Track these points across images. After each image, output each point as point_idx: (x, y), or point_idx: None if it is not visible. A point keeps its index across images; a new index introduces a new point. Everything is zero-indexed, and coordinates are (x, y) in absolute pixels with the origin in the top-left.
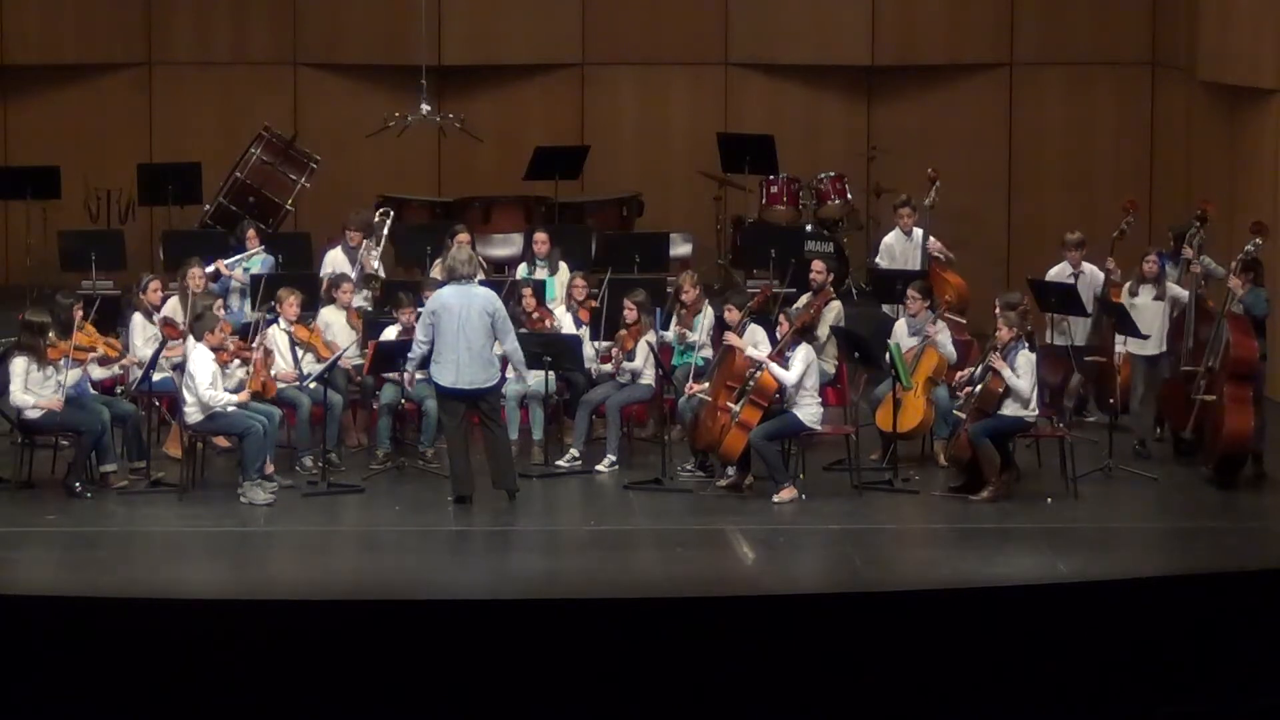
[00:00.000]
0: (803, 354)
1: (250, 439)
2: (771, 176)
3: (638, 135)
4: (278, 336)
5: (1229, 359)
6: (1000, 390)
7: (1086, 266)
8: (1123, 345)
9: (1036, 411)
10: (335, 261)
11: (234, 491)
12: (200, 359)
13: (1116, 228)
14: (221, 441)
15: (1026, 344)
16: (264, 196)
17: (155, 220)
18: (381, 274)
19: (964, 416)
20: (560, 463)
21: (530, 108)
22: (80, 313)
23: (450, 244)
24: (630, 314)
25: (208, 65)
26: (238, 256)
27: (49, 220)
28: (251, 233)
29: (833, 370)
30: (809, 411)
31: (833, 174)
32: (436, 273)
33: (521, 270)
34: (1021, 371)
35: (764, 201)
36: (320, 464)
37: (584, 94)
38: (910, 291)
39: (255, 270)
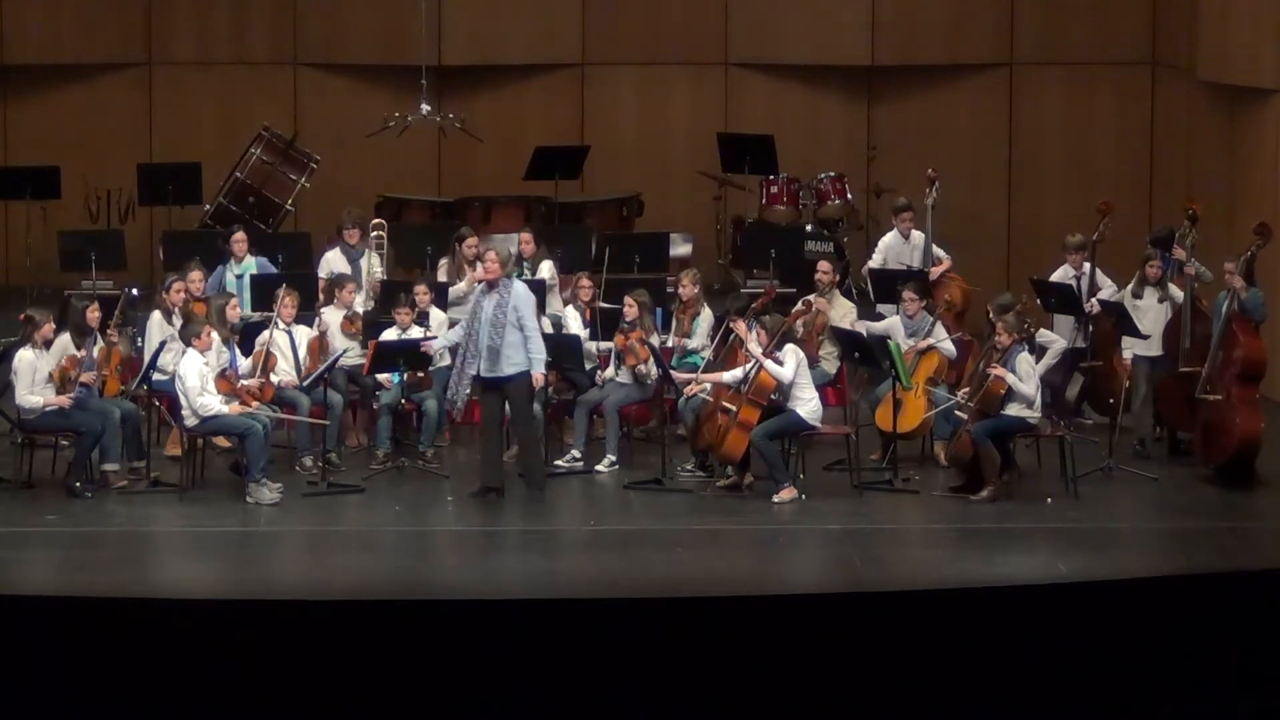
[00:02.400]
0: (791, 351)
1: (251, 439)
2: (771, 176)
3: (638, 135)
4: (278, 338)
5: (1240, 360)
6: (1002, 392)
7: (1088, 268)
8: (1130, 349)
9: (1039, 413)
10: (333, 262)
11: (234, 491)
12: (189, 365)
13: (1095, 231)
14: (222, 441)
15: (1026, 346)
16: (264, 196)
17: (155, 220)
18: (363, 310)
19: (965, 417)
20: (560, 463)
21: (530, 108)
22: (95, 317)
23: (458, 248)
24: (630, 310)
25: (208, 65)
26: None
27: (49, 220)
28: (239, 236)
29: (833, 370)
30: (809, 409)
31: (833, 174)
32: (443, 274)
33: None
34: (1023, 374)
35: (764, 201)
36: (320, 464)
37: (584, 94)
38: (906, 293)
39: (251, 271)
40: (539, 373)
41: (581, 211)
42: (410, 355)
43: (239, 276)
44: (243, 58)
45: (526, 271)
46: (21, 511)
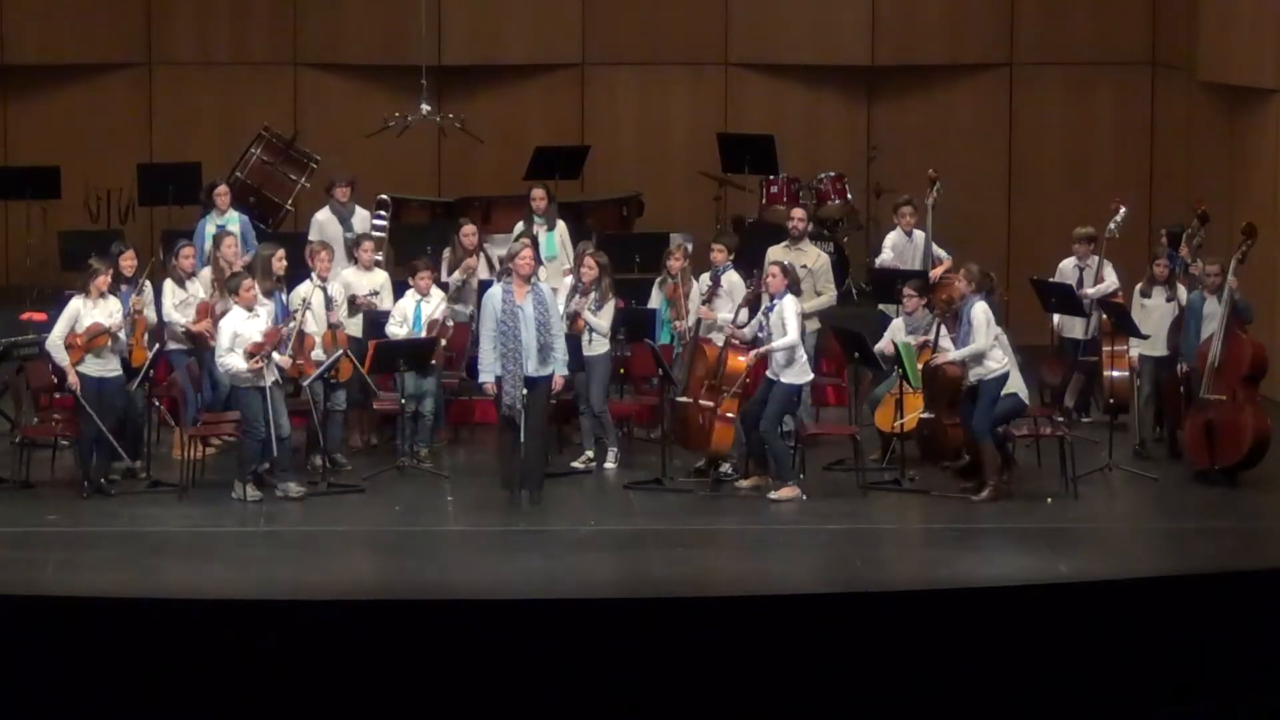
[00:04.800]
0: (790, 305)
1: (249, 443)
2: (771, 176)
3: (638, 135)
4: (313, 296)
5: (1247, 360)
6: (959, 375)
7: (1093, 260)
8: (1135, 349)
9: (1005, 364)
10: (323, 223)
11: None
12: (226, 320)
13: (1104, 228)
14: (216, 442)
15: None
16: (264, 196)
17: (155, 220)
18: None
19: (931, 416)
20: (576, 464)
21: (530, 108)
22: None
23: (457, 239)
24: (589, 273)
25: (208, 65)
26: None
27: (49, 220)
28: (222, 189)
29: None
30: (795, 371)
31: (833, 174)
32: (445, 267)
33: (518, 227)
34: (975, 324)
35: (764, 201)
36: (324, 464)
37: (584, 94)
38: (906, 290)
39: (232, 228)
40: (562, 375)
41: (581, 211)
42: (410, 355)
43: (220, 227)
44: (243, 58)
45: (542, 227)
46: (21, 511)
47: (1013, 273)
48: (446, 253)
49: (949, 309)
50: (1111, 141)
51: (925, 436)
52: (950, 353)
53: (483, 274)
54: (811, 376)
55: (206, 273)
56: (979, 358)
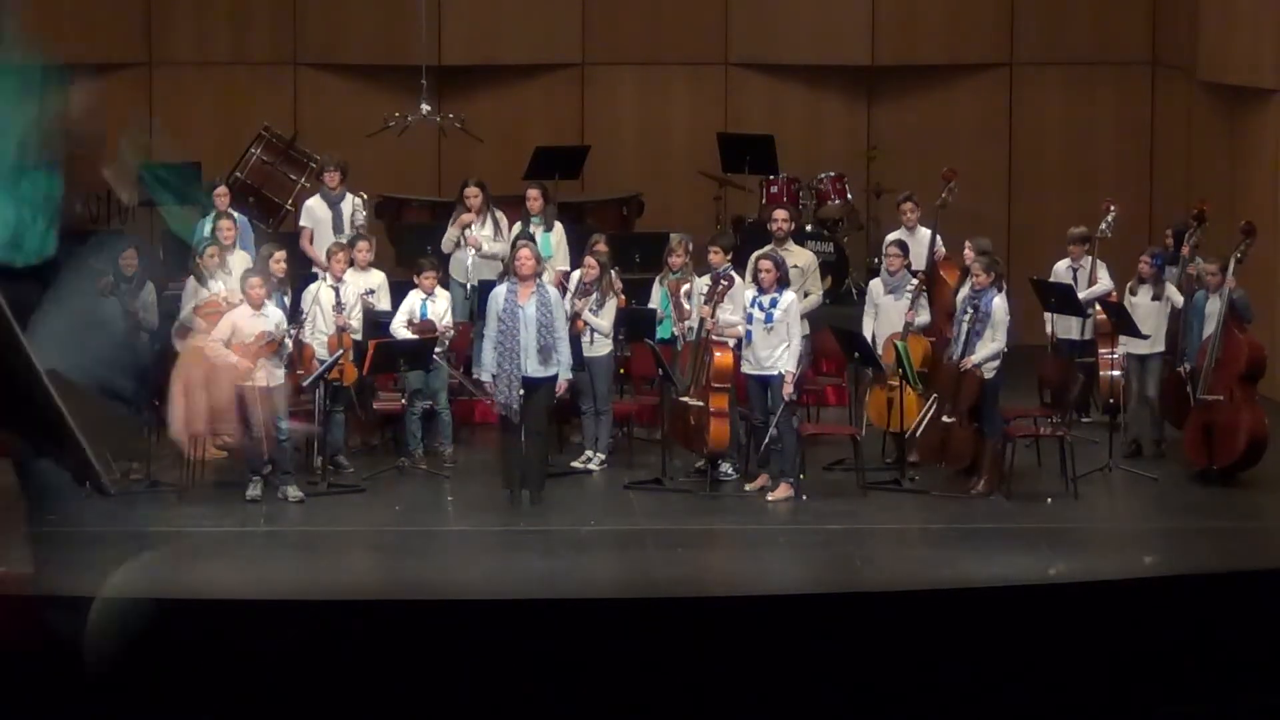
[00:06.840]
0: (795, 303)
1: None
2: (771, 176)
3: (638, 135)
4: (322, 294)
5: (1244, 360)
6: (983, 381)
7: (1086, 261)
8: (1124, 347)
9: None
10: (315, 209)
11: (234, 491)
12: (230, 314)
13: (1096, 229)
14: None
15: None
16: (264, 196)
17: (155, 220)
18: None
19: (952, 420)
20: (576, 464)
21: (530, 108)
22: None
23: (459, 203)
24: (590, 272)
25: (208, 65)
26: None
27: None
28: (222, 189)
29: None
30: (787, 357)
31: (833, 174)
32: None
33: (517, 228)
34: (996, 320)
35: (764, 201)
36: (323, 465)
37: (584, 94)
38: (890, 248)
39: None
40: (566, 379)
41: (581, 211)
42: (411, 355)
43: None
44: (243, 58)
45: (539, 227)
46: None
47: (1013, 273)
48: (454, 215)
49: (928, 285)
50: (1111, 141)
51: (940, 441)
52: (974, 356)
53: (489, 236)
54: (797, 366)
55: (235, 261)
56: (1000, 340)
